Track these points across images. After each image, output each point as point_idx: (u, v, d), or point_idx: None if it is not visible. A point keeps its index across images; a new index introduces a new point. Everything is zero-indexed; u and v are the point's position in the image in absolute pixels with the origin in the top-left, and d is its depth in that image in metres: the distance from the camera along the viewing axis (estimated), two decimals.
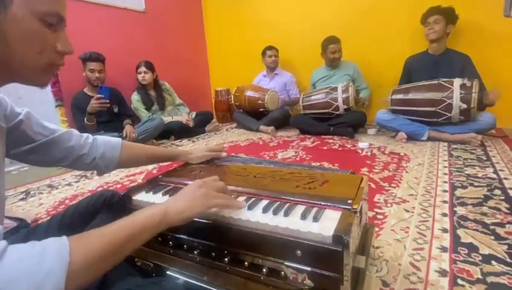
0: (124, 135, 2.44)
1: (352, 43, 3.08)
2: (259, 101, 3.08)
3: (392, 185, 1.44)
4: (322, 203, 0.63)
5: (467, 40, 2.49)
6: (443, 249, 0.89)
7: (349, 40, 3.04)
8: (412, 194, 1.31)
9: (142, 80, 2.93)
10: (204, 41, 4.21)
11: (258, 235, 0.57)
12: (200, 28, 4.14)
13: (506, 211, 1.11)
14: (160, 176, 0.86)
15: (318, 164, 1.84)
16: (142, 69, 2.90)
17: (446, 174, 1.53)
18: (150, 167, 2.03)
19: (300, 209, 0.62)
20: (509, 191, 1.28)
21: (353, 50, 3.12)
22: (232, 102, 3.38)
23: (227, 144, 2.62)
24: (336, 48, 2.87)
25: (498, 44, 2.46)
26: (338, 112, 2.67)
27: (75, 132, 0.76)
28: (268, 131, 2.90)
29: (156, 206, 0.53)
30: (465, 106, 2.00)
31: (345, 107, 2.63)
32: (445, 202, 1.21)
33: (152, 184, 0.82)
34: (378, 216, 1.13)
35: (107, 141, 0.79)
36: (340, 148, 2.22)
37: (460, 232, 0.98)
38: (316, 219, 0.57)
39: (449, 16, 2.27)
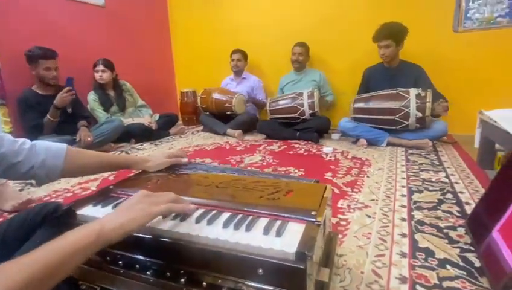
0: (78, 139, 2.25)
1: (318, 50, 3.17)
2: (227, 104, 3.03)
3: (355, 190, 1.47)
4: (286, 215, 0.60)
5: (418, 52, 2.64)
6: (402, 254, 0.91)
7: (316, 47, 3.12)
8: (373, 199, 1.34)
9: (99, 79, 2.74)
10: (170, 41, 4.07)
11: (217, 253, 0.53)
12: (165, 27, 4.00)
13: (458, 214, 1.17)
14: (111, 186, 0.78)
15: (284, 169, 1.84)
16: (100, 67, 2.72)
17: (404, 178, 1.60)
18: (106, 173, 1.88)
19: (263, 222, 0.59)
20: (459, 195, 1.36)
21: (319, 58, 3.20)
22: (199, 104, 3.29)
23: (192, 147, 2.53)
24: (299, 50, 2.94)
25: (447, 57, 2.66)
26: (304, 117, 2.72)
27: (8, 136, 0.66)
28: (236, 135, 2.86)
29: (90, 224, 0.47)
30: (420, 114, 2.12)
31: (311, 112, 2.68)
32: (403, 206, 1.26)
33: (101, 196, 0.74)
34: (342, 222, 1.14)
35: (48, 147, 0.70)
36: (305, 153, 2.25)
37: (418, 236, 1.01)
38: (278, 233, 0.54)
39: (398, 37, 2.35)
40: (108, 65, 2.76)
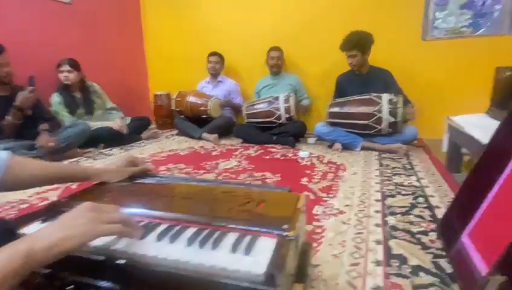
0: (39, 144, 2.09)
1: (293, 55, 3.18)
2: (202, 108, 2.96)
3: (330, 195, 1.46)
4: (257, 229, 0.56)
5: (390, 59, 2.71)
6: (377, 262, 0.89)
7: (291, 52, 3.13)
8: (348, 205, 1.33)
9: (65, 80, 2.57)
10: (142, 41, 3.93)
11: (177, 276, 0.47)
12: (137, 27, 3.85)
13: (429, 218, 1.19)
14: (63, 200, 0.70)
15: (261, 174, 1.81)
16: (65, 67, 2.56)
17: (378, 183, 1.62)
18: None
19: (232, 238, 0.54)
20: (430, 199, 1.38)
21: (294, 62, 3.22)
22: (174, 107, 3.20)
23: (166, 152, 2.44)
24: (275, 54, 2.94)
25: (417, 64, 2.76)
26: (280, 121, 2.71)
27: None
28: (211, 139, 2.79)
29: (16, 244, 0.40)
30: (392, 119, 2.17)
31: (287, 116, 2.68)
32: (377, 211, 1.26)
33: (51, 211, 0.66)
34: (317, 230, 1.11)
35: None
36: (282, 158, 2.23)
37: (391, 243, 1.01)
38: (247, 251, 0.50)
39: (363, 47, 2.40)
40: (75, 65, 2.60)
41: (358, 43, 2.39)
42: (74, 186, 1.60)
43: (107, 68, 3.39)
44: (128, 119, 2.97)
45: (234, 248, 0.51)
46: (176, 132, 3.27)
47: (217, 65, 3.22)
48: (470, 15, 2.51)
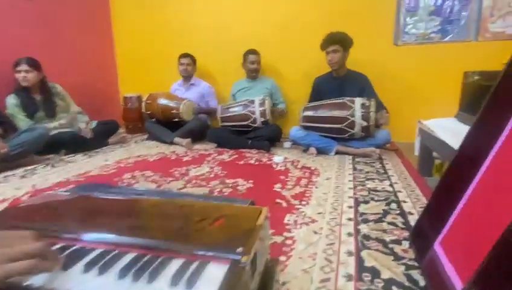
0: None
1: (269, 58, 3.14)
2: (174, 111, 2.84)
3: (303, 202, 1.41)
4: (207, 253, 0.48)
5: (363, 63, 2.73)
6: (348, 277, 0.84)
7: (267, 55, 3.08)
8: (320, 213, 1.28)
9: (23, 80, 2.37)
10: (112, 41, 3.74)
11: None
12: (106, 26, 3.67)
13: (402, 226, 1.16)
14: None
15: (232, 181, 1.73)
16: (23, 67, 2.35)
17: (351, 188, 1.59)
18: (20, 192, 1.59)
19: (174, 266, 0.46)
20: (403, 204, 1.36)
21: (270, 66, 3.17)
22: (144, 110, 3.05)
23: (133, 158, 2.30)
24: (254, 58, 2.89)
25: (389, 68, 2.79)
26: (256, 125, 2.66)
27: None
28: (184, 144, 2.68)
29: None
30: (365, 123, 2.17)
31: (262, 120, 2.63)
32: (350, 219, 1.21)
33: None
34: (287, 241, 1.05)
35: None
36: (256, 163, 2.17)
37: (364, 254, 0.96)
38: (190, 283, 0.42)
39: (346, 43, 2.42)
40: (34, 64, 2.40)
41: (340, 39, 2.40)
42: (25, 196, 1.45)
43: (73, 69, 3.19)
44: (93, 123, 2.79)
45: (175, 279, 0.42)
46: (146, 136, 3.12)
47: (189, 67, 3.11)
48: (438, 21, 2.57)
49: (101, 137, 2.74)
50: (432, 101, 2.64)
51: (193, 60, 3.14)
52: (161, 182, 1.74)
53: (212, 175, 1.86)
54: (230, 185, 1.66)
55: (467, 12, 2.49)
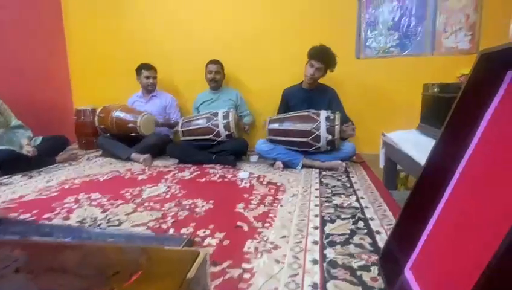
0: None
1: (235, 69, 3.06)
2: (130, 125, 2.64)
3: (266, 224, 1.29)
4: None
5: (328, 77, 2.75)
6: None
7: (232, 66, 3.00)
8: (284, 236, 1.17)
9: None
10: (65, 49, 3.46)
11: None
12: (57, 32, 3.38)
13: (370, 247, 1.08)
14: None
15: (191, 202, 1.58)
16: None
17: (317, 205, 1.51)
18: None
19: None
20: (370, 222, 1.29)
21: (235, 77, 3.09)
22: (97, 124, 2.81)
23: (81, 178, 2.06)
24: (215, 68, 2.79)
25: (352, 81, 2.82)
26: (220, 139, 2.55)
27: None
28: (141, 160, 2.48)
29: None
30: (330, 136, 2.14)
31: (227, 133, 2.52)
32: (315, 243, 1.11)
33: None
34: (245, 275, 0.91)
35: None
36: (219, 180, 2.04)
37: (330, 286, 0.85)
38: None
39: (331, 66, 2.40)
40: None
41: (330, 59, 2.36)
42: None
43: (14, 79, 2.87)
44: (38, 139, 2.50)
45: None
46: (101, 152, 2.87)
47: (154, 80, 2.95)
48: (397, 36, 2.65)
49: (48, 154, 2.45)
50: (394, 112, 2.69)
51: (156, 72, 2.98)
52: (108, 206, 1.54)
53: (168, 196, 1.70)
54: (187, 207, 1.51)
55: (422, 28, 2.59)
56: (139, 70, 2.94)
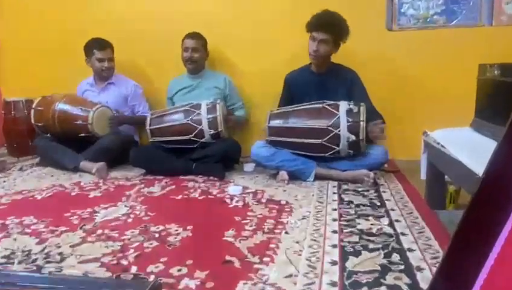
0: None
1: (222, 47, 3.08)
2: (79, 122, 2.66)
3: (265, 259, 1.29)
4: None
5: (346, 54, 2.71)
6: None
7: (218, 43, 3.02)
8: (290, 275, 1.16)
9: None
10: None
11: None
12: None
13: None
14: None
15: (161, 229, 1.58)
16: None
17: (336, 232, 1.51)
18: None
19: None
20: (408, 254, 1.29)
21: (223, 57, 3.10)
22: (33, 121, 2.83)
23: (10, 196, 2.07)
24: (192, 43, 2.80)
25: (382, 61, 2.82)
26: (203, 140, 2.56)
27: None
28: (93, 170, 2.48)
29: None
30: (353, 137, 2.14)
31: (212, 132, 2.53)
32: (333, 284, 1.10)
33: None
34: None
35: None
36: (202, 197, 2.07)
37: None
38: None
39: (339, 36, 2.39)
40: None
41: (336, 26, 2.35)
42: None
43: None
44: None
45: None
46: (38, 160, 2.88)
47: (111, 63, 2.95)
48: (442, 0, 2.66)
49: None
50: (439, 104, 2.69)
51: (113, 52, 2.97)
52: (46, 234, 1.53)
53: (130, 219, 1.71)
54: (156, 236, 1.51)
55: None
56: (88, 49, 2.92)
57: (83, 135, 2.68)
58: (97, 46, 2.89)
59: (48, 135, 2.81)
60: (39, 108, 2.76)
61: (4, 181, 2.38)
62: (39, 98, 2.83)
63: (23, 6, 3.40)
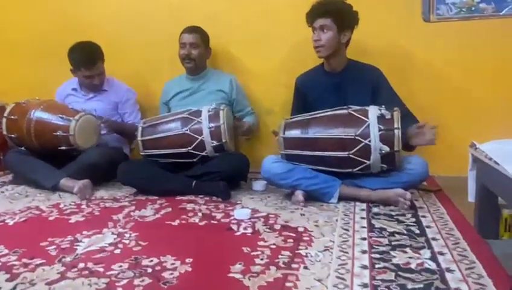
0: None
1: (228, 41, 3.14)
2: (59, 133, 2.69)
3: None
4: None
5: (372, 51, 2.78)
6: None
7: (224, 36, 3.08)
8: None
9: None
10: None
11: None
12: None
13: None
14: None
15: (156, 261, 1.57)
16: None
17: (366, 267, 1.47)
18: None
19: None
20: None
21: (229, 53, 3.16)
22: (5, 132, 2.88)
23: None
24: (191, 38, 2.84)
25: (416, 57, 2.83)
26: (204, 153, 2.59)
27: None
28: (75, 189, 2.51)
29: None
30: (387, 148, 2.11)
31: (215, 144, 2.55)
32: None
33: None
34: None
35: None
36: (203, 223, 2.07)
37: None
38: None
39: (342, 19, 2.41)
40: None
41: (335, 9, 2.39)
42: None
43: None
44: None
45: None
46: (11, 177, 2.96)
47: (101, 77, 3.02)
48: None
49: None
50: (489, 110, 2.69)
51: (103, 56, 3.02)
52: (18, 268, 1.53)
53: (118, 250, 1.69)
54: (149, 271, 1.49)
55: None
56: (74, 63, 2.95)
57: (63, 148, 2.71)
58: (84, 64, 2.92)
59: (23, 147, 2.85)
60: (12, 117, 2.80)
61: None
62: (12, 105, 2.87)
63: None
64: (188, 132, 2.55)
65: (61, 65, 3.09)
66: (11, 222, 2.07)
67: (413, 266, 1.46)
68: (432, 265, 1.46)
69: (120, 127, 3.03)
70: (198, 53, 2.86)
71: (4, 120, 2.83)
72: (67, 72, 3.06)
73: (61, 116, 2.73)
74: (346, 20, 2.42)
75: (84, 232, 1.90)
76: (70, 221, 2.08)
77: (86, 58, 2.91)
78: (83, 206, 2.31)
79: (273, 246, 1.69)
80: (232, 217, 2.08)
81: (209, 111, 2.58)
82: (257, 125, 3.03)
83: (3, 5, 3.52)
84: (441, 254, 1.56)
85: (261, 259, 1.57)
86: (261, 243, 1.73)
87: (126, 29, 3.27)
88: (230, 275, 1.44)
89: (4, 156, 2.89)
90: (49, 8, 3.44)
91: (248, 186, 2.69)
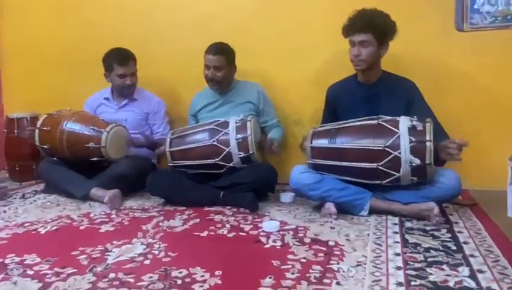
0: None
1: (253, 51, 3.13)
2: (91, 144, 2.72)
3: None
4: None
5: (403, 61, 2.73)
6: None
7: (248, 46, 3.07)
8: None
9: None
10: None
11: None
12: None
13: None
14: None
15: (185, 273, 1.55)
16: None
17: (401, 284, 1.42)
18: None
19: None
20: None
21: (253, 67, 3.15)
22: (37, 142, 2.91)
23: (11, 229, 2.13)
24: (213, 61, 2.79)
25: (449, 68, 2.78)
26: (231, 164, 2.58)
27: None
28: (105, 199, 2.53)
29: None
30: (418, 161, 2.06)
31: (242, 155, 2.55)
32: None
33: None
34: None
35: None
36: (231, 234, 2.06)
37: None
38: None
39: (382, 33, 2.37)
40: None
41: (376, 24, 2.35)
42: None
43: None
44: None
45: None
46: (43, 186, 2.99)
47: (134, 78, 3.05)
48: None
49: None
50: None
51: (136, 64, 3.07)
52: (50, 277, 1.53)
53: (148, 261, 1.69)
54: (179, 283, 1.47)
55: None
56: (107, 63, 3.01)
57: (95, 159, 2.75)
58: (117, 60, 2.97)
59: (55, 158, 2.89)
60: (44, 128, 2.84)
61: (4, 211, 2.45)
62: (44, 116, 2.92)
63: (29, 7, 3.61)
64: (215, 143, 2.55)
65: (90, 75, 3.17)
66: (43, 231, 2.10)
67: (451, 284, 1.41)
68: (472, 283, 1.41)
69: (148, 141, 3.01)
70: (222, 75, 2.82)
71: (37, 131, 2.88)
72: (96, 82, 3.13)
73: (92, 127, 2.76)
74: (386, 34, 2.38)
75: (114, 242, 1.91)
76: (100, 230, 2.10)
77: (120, 56, 2.97)
78: (113, 216, 2.34)
79: (304, 260, 1.66)
80: (260, 229, 2.07)
81: (236, 122, 2.57)
82: (284, 136, 3.00)
83: (33, 16, 3.61)
84: (481, 271, 1.50)
85: (292, 273, 1.54)
86: (290, 256, 1.71)
87: (155, 39, 3.34)
88: (261, 289, 1.42)
89: (37, 166, 2.95)
90: (78, 18, 3.51)
91: (276, 197, 2.67)
